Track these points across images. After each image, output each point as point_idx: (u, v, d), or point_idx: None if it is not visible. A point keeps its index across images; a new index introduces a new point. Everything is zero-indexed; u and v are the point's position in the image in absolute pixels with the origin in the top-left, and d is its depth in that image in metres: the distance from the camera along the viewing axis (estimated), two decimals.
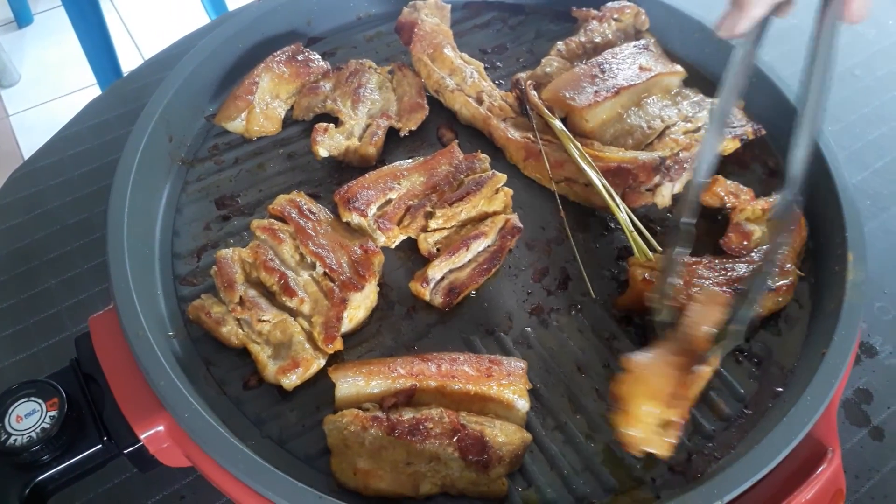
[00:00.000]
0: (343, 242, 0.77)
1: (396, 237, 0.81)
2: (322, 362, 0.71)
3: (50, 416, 0.61)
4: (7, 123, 2.39)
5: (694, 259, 0.78)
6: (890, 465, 0.76)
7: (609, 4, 1.01)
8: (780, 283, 0.76)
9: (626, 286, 0.77)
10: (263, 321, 0.72)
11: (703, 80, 0.98)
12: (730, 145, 0.89)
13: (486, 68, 0.99)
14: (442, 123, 0.95)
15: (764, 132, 0.90)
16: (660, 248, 0.80)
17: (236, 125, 0.92)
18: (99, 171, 0.97)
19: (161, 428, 0.64)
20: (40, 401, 0.62)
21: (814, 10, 0.64)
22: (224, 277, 0.74)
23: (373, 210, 0.80)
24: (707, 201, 0.85)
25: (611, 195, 0.80)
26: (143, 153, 0.81)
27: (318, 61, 0.98)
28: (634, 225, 0.79)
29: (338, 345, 0.71)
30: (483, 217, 0.81)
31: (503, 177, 0.83)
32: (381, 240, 0.80)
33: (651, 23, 1.01)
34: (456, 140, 0.89)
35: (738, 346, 0.75)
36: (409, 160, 0.85)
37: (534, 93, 0.90)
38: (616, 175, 0.82)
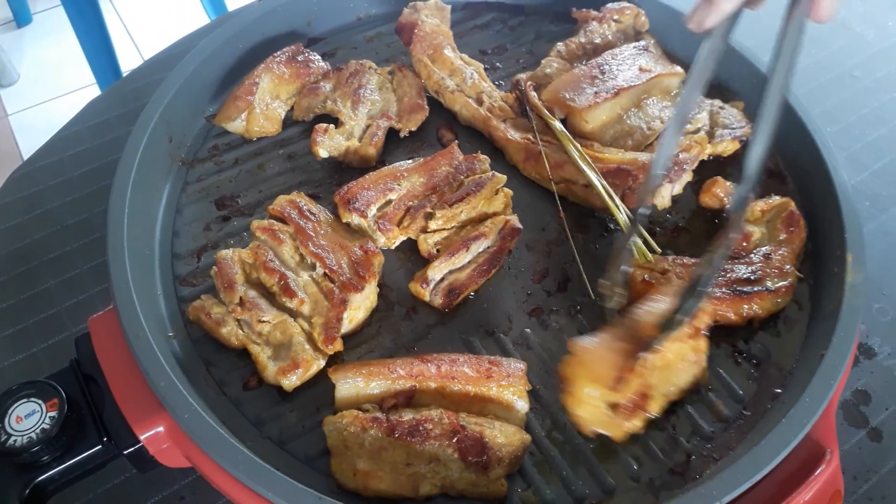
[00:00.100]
0: (343, 243, 0.77)
1: (396, 238, 0.81)
2: (322, 363, 0.71)
3: (50, 417, 0.61)
4: (6, 123, 2.39)
5: (693, 260, 0.78)
6: (888, 466, 0.76)
7: (609, 5, 1.01)
8: (779, 284, 0.76)
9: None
10: (263, 322, 0.72)
11: None
12: (730, 146, 0.89)
13: (485, 69, 0.99)
14: (442, 124, 0.95)
15: None
16: (659, 250, 0.80)
17: (236, 126, 0.92)
18: (99, 172, 0.97)
19: (161, 429, 0.64)
20: (40, 401, 0.62)
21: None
22: (224, 278, 0.74)
23: (373, 211, 0.80)
24: (707, 202, 0.85)
25: (610, 196, 0.81)
26: (143, 153, 0.81)
27: (318, 62, 0.98)
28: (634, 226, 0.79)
29: (338, 346, 0.71)
30: (483, 218, 0.81)
31: (503, 178, 0.83)
32: (381, 241, 0.80)
33: (651, 24, 1.01)
34: (456, 141, 0.89)
35: (737, 348, 0.76)
36: (409, 161, 0.85)
37: (534, 94, 0.90)
38: (616, 176, 0.82)
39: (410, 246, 0.82)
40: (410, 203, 0.81)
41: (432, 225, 0.80)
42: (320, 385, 0.71)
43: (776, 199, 0.83)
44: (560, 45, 0.99)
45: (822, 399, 0.65)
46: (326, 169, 0.90)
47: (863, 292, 0.73)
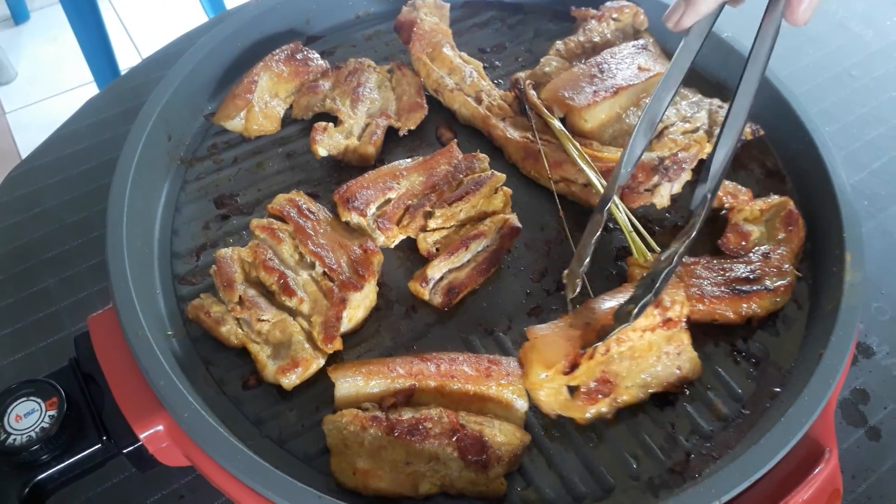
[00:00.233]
0: (342, 242, 0.77)
1: (396, 237, 0.81)
2: (321, 362, 0.71)
3: (49, 416, 0.61)
4: (4, 121, 2.39)
5: (692, 259, 0.78)
6: (887, 465, 0.76)
7: (608, 4, 1.01)
8: (778, 283, 0.76)
9: None
10: (263, 321, 0.72)
11: (701, 80, 0.99)
12: None
13: (484, 67, 0.99)
14: (441, 123, 0.95)
15: (762, 133, 0.91)
16: (658, 249, 0.80)
17: (235, 124, 0.92)
18: (97, 170, 0.97)
19: (160, 427, 0.64)
20: (39, 400, 0.62)
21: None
22: (223, 277, 0.74)
23: (372, 209, 0.80)
24: None
25: None
26: (142, 152, 0.81)
27: (317, 60, 0.98)
28: (633, 225, 0.79)
29: (337, 344, 0.71)
30: (482, 217, 0.81)
31: (502, 176, 0.83)
32: (381, 239, 0.80)
33: (650, 22, 1.01)
34: (455, 139, 0.89)
35: (736, 347, 0.76)
36: (409, 160, 0.85)
37: (533, 92, 0.90)
38: None
39: (410, 245, 0.82)
40: (410, 202, 0.81)
41: (431, 224, 0.80)
42: (320, 384, 0.71)
43: (775, 199, 0.83)
44: (559, 44, 0.99)
45: (820, 398, 0.66)
46: (325, 167, 0.90)
47: (861, 291, 0.73)
